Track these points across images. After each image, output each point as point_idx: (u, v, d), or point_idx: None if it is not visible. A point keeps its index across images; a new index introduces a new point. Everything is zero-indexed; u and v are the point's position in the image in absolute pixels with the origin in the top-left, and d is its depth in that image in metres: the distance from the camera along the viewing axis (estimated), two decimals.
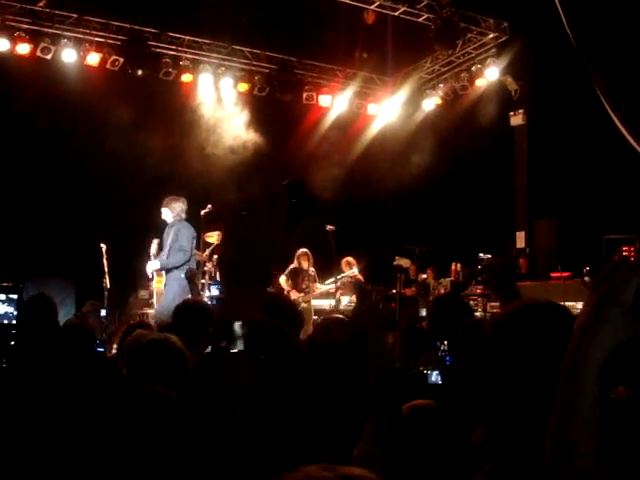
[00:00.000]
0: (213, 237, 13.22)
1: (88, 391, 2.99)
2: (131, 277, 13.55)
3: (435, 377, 3.19)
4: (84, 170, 13.54)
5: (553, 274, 12.87)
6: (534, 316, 1.78)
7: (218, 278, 12.83)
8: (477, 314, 13.27)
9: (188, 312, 4.60)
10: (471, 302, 13.50)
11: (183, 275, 9.73)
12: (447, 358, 3.43)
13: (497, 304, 12.71)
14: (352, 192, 15.97)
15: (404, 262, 15.51)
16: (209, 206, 12.87)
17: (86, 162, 13.58)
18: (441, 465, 2.40)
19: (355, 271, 13.85)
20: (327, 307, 12.87)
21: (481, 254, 13.59)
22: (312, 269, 13.22)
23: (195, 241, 10.41)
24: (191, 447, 1.82)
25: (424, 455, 2.42)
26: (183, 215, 10.32)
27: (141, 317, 13.08)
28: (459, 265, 14.87)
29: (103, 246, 12.08)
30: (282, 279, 13.16)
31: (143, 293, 14.41)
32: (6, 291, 3.02)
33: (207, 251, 13.24)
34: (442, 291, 13.93)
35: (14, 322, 2.98)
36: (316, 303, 13.06)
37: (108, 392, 2.90)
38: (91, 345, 3.67)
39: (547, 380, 1.48)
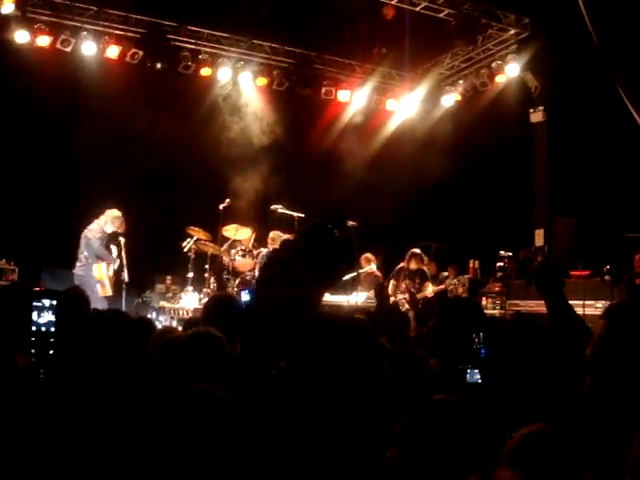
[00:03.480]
0: (230, 231, 13.40)
1: (132, 392, 2.87)
2: (148, 271, 13.65)
3: (474, 376, 3.15)
4: (103, 163, 13.56)
5: (573, 272, 12.62)
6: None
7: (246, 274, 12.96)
8: (495, 312, 13.34)
9: (220, 306, 4.50)
10: (489, 300, 13.55)
11: None
12: (483, 351, 3.31)
13: (516, 302, 12.85)
14: (371, 188, 15.89)
15: None
16: (227, 200, 13.11)
17: (104, 155, 13.61)
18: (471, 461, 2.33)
19: (373, 267, 13.81)
20: (344, 303, 12.75)
21: (502, 252, 13.54)
22: (425, 268, 13.23)
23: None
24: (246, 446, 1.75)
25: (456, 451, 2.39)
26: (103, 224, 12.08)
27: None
28: (477, 262, 14.87)
29: (122, 240, 12.11)
30: (391, 284, 13.14)
31: (160, 287, 14.53)
32: (45, 296, 2.93)
33: (225, 245, 13.44)
34: (460, 290, 13.90)
35: (52, 330, 2.85)
36: (332, 299, 12.92)
37: (154, 391, 2.81)
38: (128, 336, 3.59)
39: None
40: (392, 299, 12.74)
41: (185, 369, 3.05)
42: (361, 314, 4.92)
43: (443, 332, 3.95)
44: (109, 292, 11.79)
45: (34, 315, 2.85)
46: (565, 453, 2.21)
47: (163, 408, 1.94)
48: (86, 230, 11.94)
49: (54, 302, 2.90)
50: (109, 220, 11.94)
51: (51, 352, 2.72)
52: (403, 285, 12.96)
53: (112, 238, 12.11)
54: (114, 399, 2.70)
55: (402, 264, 13.14)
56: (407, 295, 12.89)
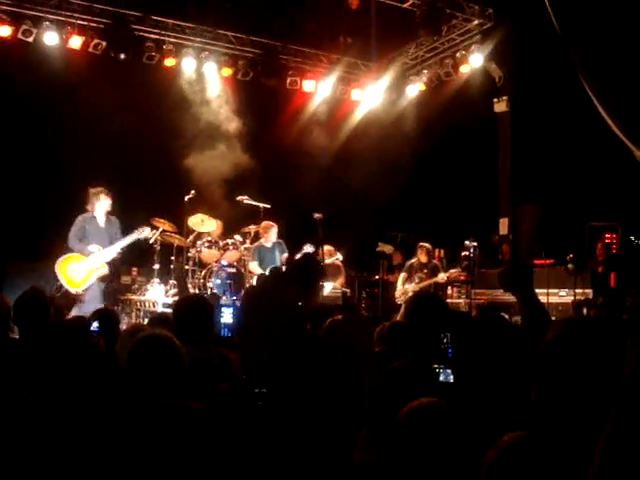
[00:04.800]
0: (196, 222, 13.33)
1: (97, 405, 2.84)
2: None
3: (446, 375, 3.19)
4: (66, 155, 13.41)
5: (537, 261, 12.88)
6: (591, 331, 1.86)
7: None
8: (461, 301, 13.47)
9: (189, 307, 4.49)
10: (455, 289, 13.82)
11: None
12: (449, 350, 3.41)
13: (482, 291, 13.07)
14: (336, 178, 15.91)
15: (387, 248, 15.92)
16: (192, 192, 12.97)
17: (67, 147, 13.45)
18: (446, 466, 2.35)
19: (338, 258, 13.93)
20: None
21: (467, 241, 13.53)
22: (434, 261, 13.65)
23: (79, 233, 11.16)
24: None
25: (426, 457, 2.38)
26: (90, 207, 11.32)
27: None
28: (442, 251, 15.07)
29: None
30: (401, 276, 13.65)
31: (126, 279, 14.37)
32: None
33: (191, 237, 13.42)
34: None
35: None
36: None
37: (122, 403, 2.73)
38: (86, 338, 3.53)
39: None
40: (400, 289, 13.50)
41: (142, 374, 3.03)
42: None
43: (413, 329, 3.95)
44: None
45: None
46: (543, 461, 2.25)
47: (140, 428, 1.90)
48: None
49: None
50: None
51: None
52: (416, 278, 13.33)
53: None
54: (73, 427, 2.62)
55: (414, 258, 13.55)
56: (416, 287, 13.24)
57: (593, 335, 1.82)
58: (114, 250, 11.15)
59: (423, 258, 13.34)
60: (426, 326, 3.68)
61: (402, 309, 12.16)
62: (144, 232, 11.58)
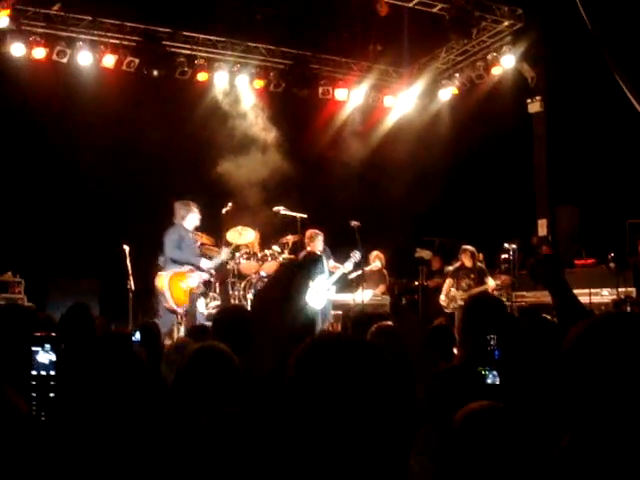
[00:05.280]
0: (234, 235, 13.08)
1: (147, 429, 2.81)
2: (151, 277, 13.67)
3: (492, 377, 3.17)
4: (104, 174, 13.49)
5: (577, 261, 12.86)
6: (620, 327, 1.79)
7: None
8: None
9: (230, 319, 4.50)
10: (495, 292, 13.54)
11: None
12: (496, 352, 3.37)
13: (522, 293, 13.11)
14: (371, 185, 15.88)
15: (425, 254, 15.67)
16: (229, 204, 12.87)
17: (104, 166, 13.54)
18: (505, 471, 2.34)
19: (378, 264, 13.83)
20: (350, 302, 12.69)
21: (506, 244, 13.46)
22: (479, 264, 13.11)
23: (177, 242, 10.81)
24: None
25: (485, 463, 2.36)
26: (180, 220, 10.95)
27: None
28: (481, 255, 14.75)
29: (126, 247, 11.93)
30: (447, 282, 13.17)
31: None
32: (44, 341, 2.85)
33: (228, 249, 12.77)
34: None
35: (52, 372, 2.81)
36: (338, 298, 12.88)
37: (173, 422, 2.70)
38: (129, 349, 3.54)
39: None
40: (446, 296, 13.01)
41: (195, 389, 2.99)
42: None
43: (469, 332, 3.96)
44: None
45: (34, 357, 2.81)
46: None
47: (192, 442, 1.88)
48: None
49: (54, 344, 2.87)
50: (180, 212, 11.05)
51: (52, 395, 2.67)
52: (463, 283, 12.89)
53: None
54: (125, 441, 2.62)
55: (457, 263, 13.16)
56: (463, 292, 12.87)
57: (627, 329, 1.75)
58: (208, 270, 11.15)
59: (467, 262, 12.88)
60: (483, 329, 3.65)
61: (458, 314, 12.05)
62: (225, 253, 11.73)
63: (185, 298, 10.83)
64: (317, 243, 12.68)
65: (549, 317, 4.65)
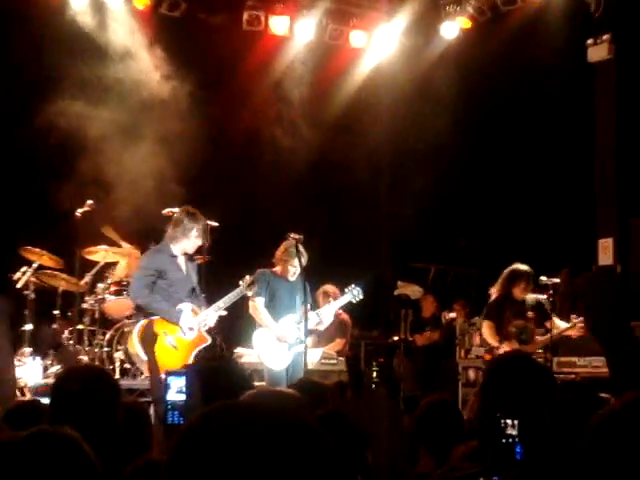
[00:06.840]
0: (98, 252, 11.06)
1: None
2: None
3: None
4: None
5: None
6: None
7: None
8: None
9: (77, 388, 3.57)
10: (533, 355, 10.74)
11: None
12: (517, 448, 2.75)
13: (567, 359, 10.47)
14: (327, 174, 13.29)
15: (412, 290, 12.67)
16: (89, 202, 10.34)
17: None
18: None
19: (334, 304, 10.60)
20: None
21: (543, 277, 9.85)
22: (539, 297, 10.12)
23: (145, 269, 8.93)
24: None
25: None
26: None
27: None
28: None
29: None
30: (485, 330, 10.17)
31: None
32: None
33: (87, 277, 10.87)
34: (477, 340, 11.29)
35: None
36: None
37: None
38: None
39: None
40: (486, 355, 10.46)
41: None
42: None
43: (485, 413, 3.30)
44: None
45: None
46: None
47: None
48: None
49: None
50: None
51: None
52: (513, 329, 9.79)
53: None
54: None
55: (494, 294, 10.08)
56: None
57: None
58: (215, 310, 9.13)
59: (518, 292, 9.72)
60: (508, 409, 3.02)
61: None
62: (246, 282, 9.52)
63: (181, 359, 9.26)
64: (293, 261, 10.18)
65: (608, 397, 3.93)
